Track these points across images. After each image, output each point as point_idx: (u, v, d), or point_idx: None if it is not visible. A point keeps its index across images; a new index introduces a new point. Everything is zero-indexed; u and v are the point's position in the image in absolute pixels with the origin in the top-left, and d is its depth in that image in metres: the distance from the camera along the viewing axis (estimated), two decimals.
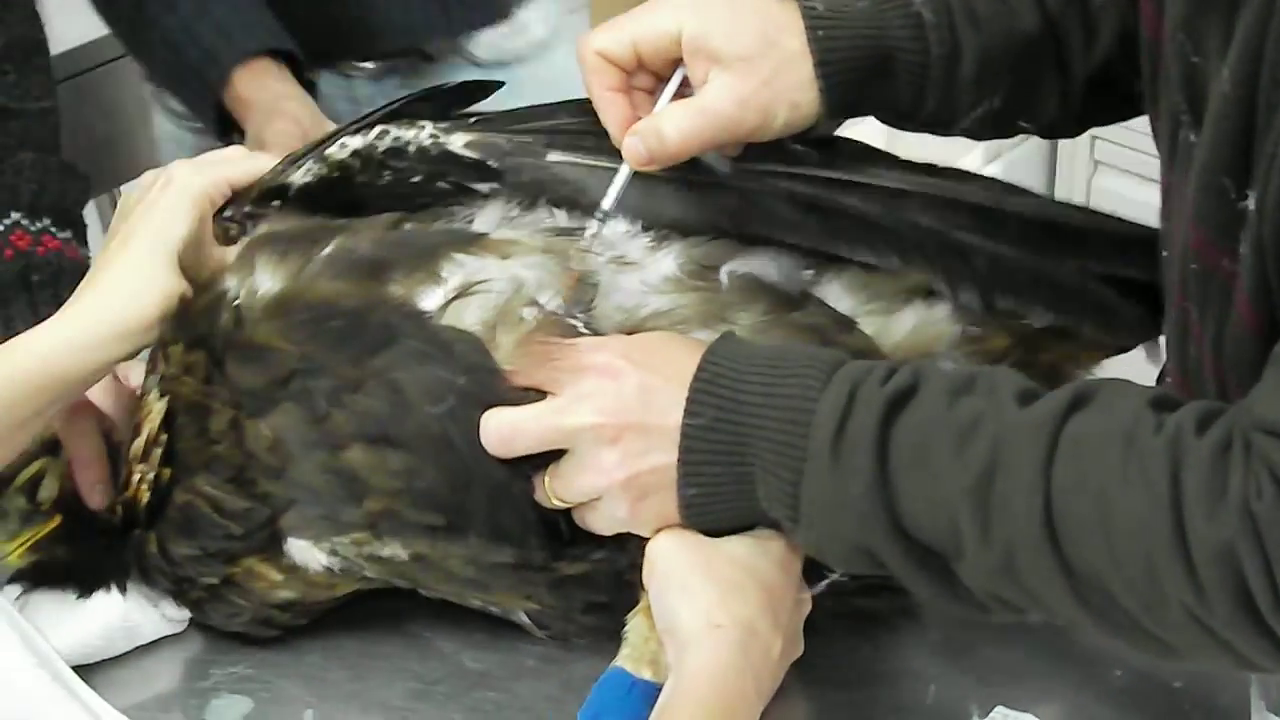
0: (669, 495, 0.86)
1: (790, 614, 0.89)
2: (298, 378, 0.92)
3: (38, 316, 1.07)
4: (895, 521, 0.81)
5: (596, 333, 0.92)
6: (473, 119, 0.98)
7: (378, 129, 0.96)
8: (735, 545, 0.88)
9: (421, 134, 0.95)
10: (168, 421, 0.96)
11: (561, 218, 0.97)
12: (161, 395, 0.96)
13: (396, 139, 0.95)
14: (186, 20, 1.42)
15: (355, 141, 0.96)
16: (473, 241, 0.94)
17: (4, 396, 0.92)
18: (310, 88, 1.44)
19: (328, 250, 0.93)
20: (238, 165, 0.99)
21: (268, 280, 0.94)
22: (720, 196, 0.97)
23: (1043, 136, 1.13)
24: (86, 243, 1.21)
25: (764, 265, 0.97)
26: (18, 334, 0.95)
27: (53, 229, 1.17)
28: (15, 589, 1.02)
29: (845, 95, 0.95)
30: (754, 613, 0.85)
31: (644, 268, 0.95)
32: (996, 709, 0.94)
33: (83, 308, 0.94)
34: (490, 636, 1.01)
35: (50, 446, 0.99)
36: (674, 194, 0.96)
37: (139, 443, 0.97)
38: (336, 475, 0.93)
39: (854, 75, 0.95)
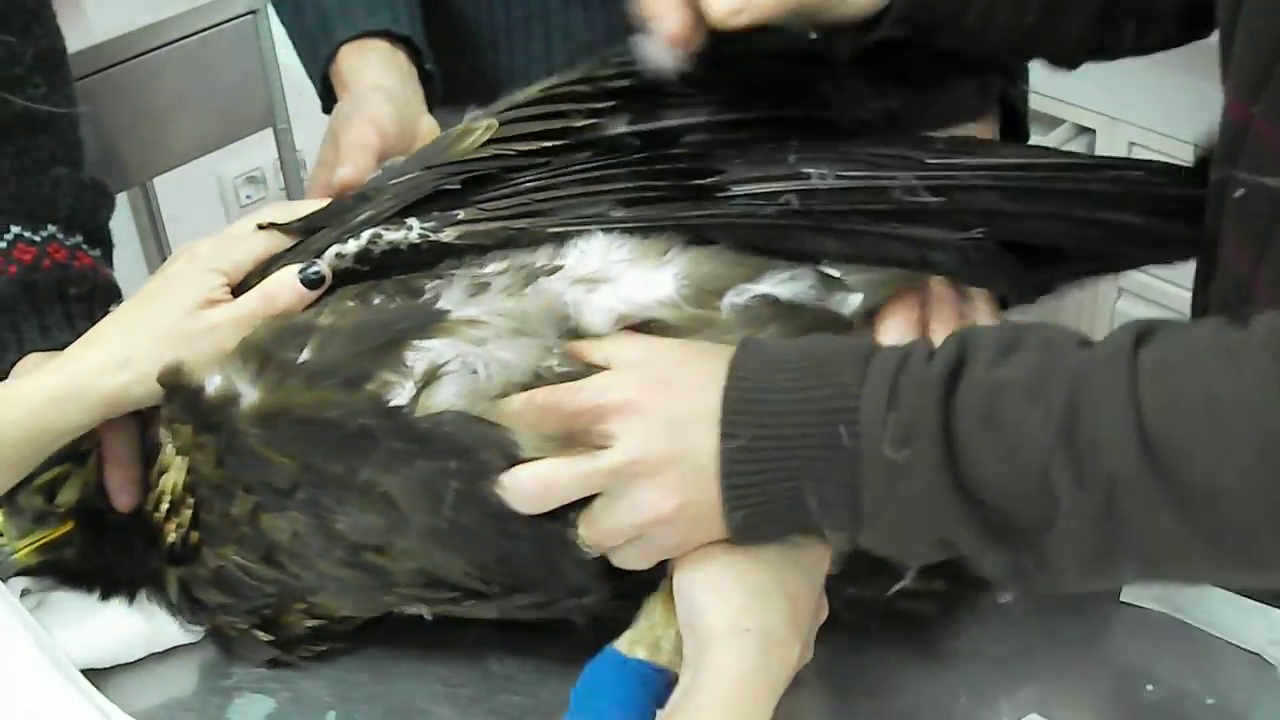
0: (715, 522, 0.84)
1: (808, 620, 0.89)
2: (303, 488, 0.92)
3: (74, 329, 1.09)
4: (969, 500, 0.77)
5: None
6: (458, 212, 0.94)
7: (367, 235, 0.94)
8: (768, 551, 0.88)
9: (410, 234, 0.93)
10: (192, 487, 0.96)
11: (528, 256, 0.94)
12: (179, 452, 0.96)
13: (390, 242, 0.93)
14: None
15: (350, 248, 0.94)
16: (434, 323, 0.90)
17: None
18: (428, 78, 1.40)
19: (302, 358, 0.91)
20: (262, 240, 0.99)
21: (250, 392, 0.92)
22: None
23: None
24: (112, 264, 1.21)
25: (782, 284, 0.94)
26: (56, 342, 0.97)
27: (84, 246, 1.18)
28: (31, 593, 1.02)
29: None
30: (778, 620, 0.85)
31: (623, 283, 0.92)
32: (1030, 717, 0.93)
33: (75, 363, 0.95)
34: (514, 639, 1.00)
35: (75, 454, 0.99)
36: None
37: (166, 481, 0.97)
38: (360, 570, 0.93)
39: None
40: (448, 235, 0.92)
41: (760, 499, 0.82)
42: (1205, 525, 0.74)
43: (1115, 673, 0.97)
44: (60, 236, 1.17)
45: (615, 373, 0.87)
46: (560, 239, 0.92)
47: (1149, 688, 0.95)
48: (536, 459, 0.87)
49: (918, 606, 0.99)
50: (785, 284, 0.92)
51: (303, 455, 0.91)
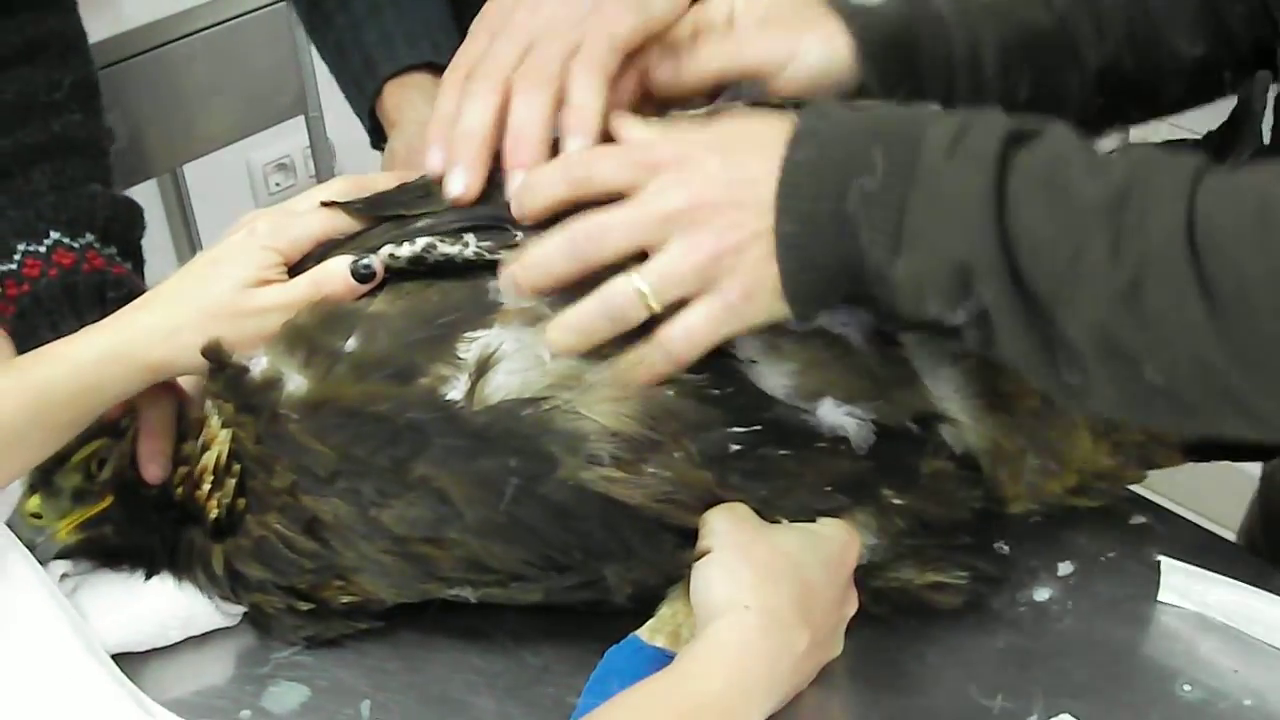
0: (767, 258, 0.83)
1: (826, 613, 0.89)
2: (343, 477, 0.92)
3: None
4: (1004, 238, 0.77)
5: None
6: (517, 234, 0.92)
7: (423, 243, 0.93)
8: (786, 536, 0.90)
9: (466, 250, 0.92)
10: (236, 455, 0.96)
11: None
12: (225, 426, 0.96)
13: (443, 255, 0.92)
14: (357, 20, 1.37)
15: (404, 252, 0.93)
16: (488, 314, 0.90)
17: (38, 402, 0.93)
18: None
19: (350, 347, 0.91)
20: (320, 219, 0.98)
21: (296, 378, 0.92)
22: None
23: None
24: (144, 278, 1.23)
25: None
26: None
27: (118, 258, 1.19)
28: (68, 576, 1.02)
29: (875, 51, 0.94)
30: (784, 603, 0.86)
31: None
32: (1062, 715, 0.93)
33: (126, 327, 0.95)
34: (551, 629, 1.00)
35: (111, 428, 0.99)
36: None
37: (209, 457, 0.97)
38: (404, 558, 0.93)
39: (882, 39, 0.94)
40: (504, 256, 0.91)
41: (811, 214, 0.81)
42: (1233, 327, 0.74)
43: (1152, 673, 0.96)
44: (97, 245, 1.19)
45: (675, 133, 0.88)
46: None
47: (1186, 688, 0.95)
48: (604, 448, 0.87)
49: (944, 598, 0.99)
50: None
51: (345, 446, 0.91)
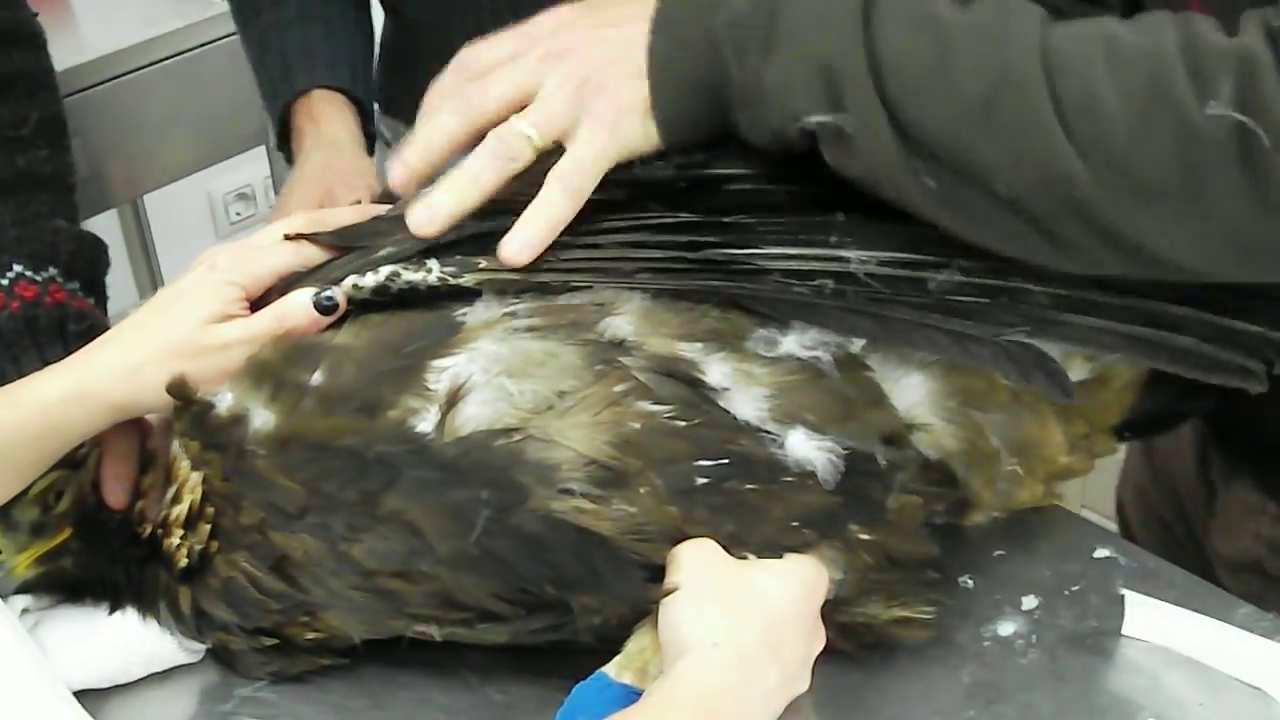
0: (635, 75, 0.89)
1: (794, 649, 0.89)
2: (312, 513, 0.91)
3: None
4: (871, 45, 0.83)
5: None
6: (480, 260, 0.92)
7: (386, 272, 0.92)
8: (754, 571, 0.89)
9: (430, 276, 0.91)
10: (207, 497, 0.95)
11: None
12: (195, 468, 0.96)
13: (407, 283, 0.92)
14: (285, 21, 1.43)
15: (368, 282, 0.93)
16: (452, 337, 0.90)
17: (4, 441, 0.92)
18: (371, 138, 1.44)
19: (315, 381, 0.91)
20: (282, 253, 0.98)
21: (263, 414, 0.92)
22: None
23: None
24: (107, 313, 1.23)
25: None
26: None
27: (80, 293, 1.19)
28: (29, 611, 1.00)
29: None
30: (752, 640, 0.86)
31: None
32: None
33: (86, 365, 0.94)
34: (516, 667, 0.99)
35: (68, 459, 0.98)
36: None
37: (180, 510, 0.96)
38: (373, 593, 0.93)
39: None
40: (468, 280, 0.91)
41: (682, 25, 0.88)
42: (1083, 137, 0.79)
43: (1117, 707, 0.96)
44: (60, 280, 1.18)
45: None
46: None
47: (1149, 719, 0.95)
48: (575, 480, 0.87)
49: (910, 633, 0.99)
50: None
51: (314, 481, 0.90)
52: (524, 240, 0.89)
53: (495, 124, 0.91)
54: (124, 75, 1.71)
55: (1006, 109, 0.80)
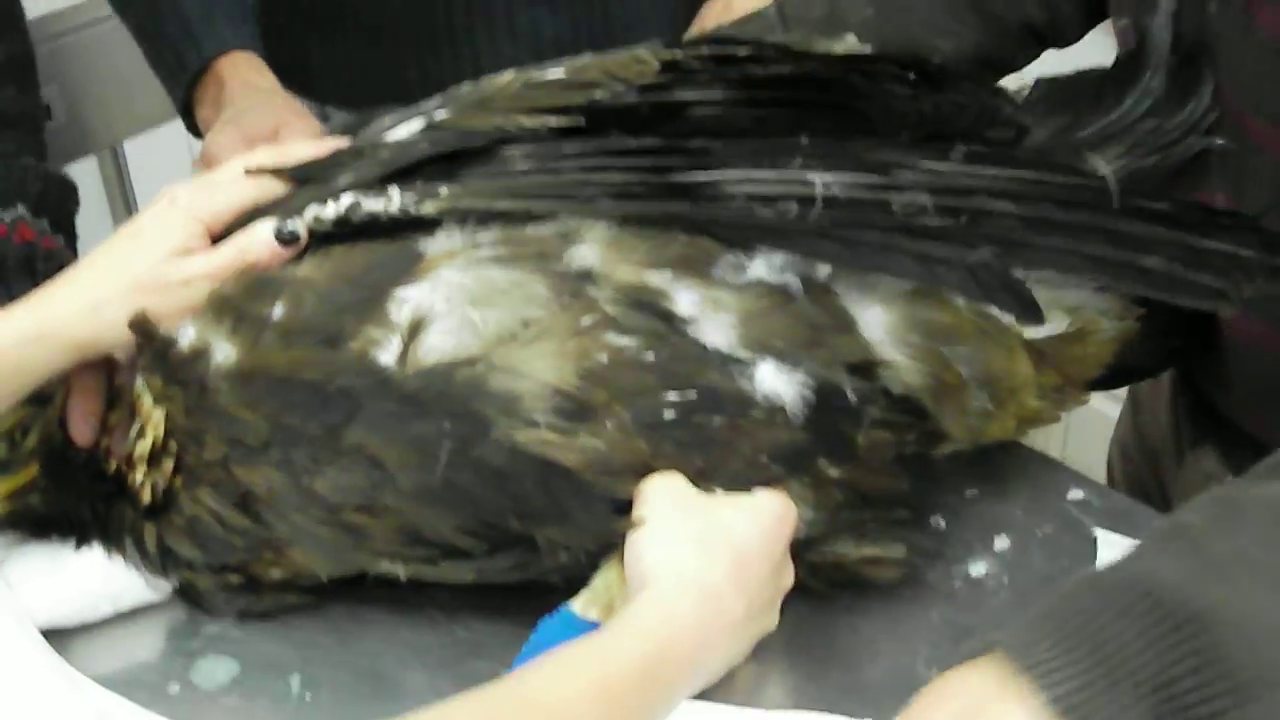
0: None
1: (761, 584, 0.88)
2: (275, 446, 0.90)
3: None
4: None
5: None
6: (442, 184, 0.91)
7: (347, 201, 0.91)
8: (721, 506, 0.89)
9: (391, 205, 0.91)
10: (170, 434, 0.95)
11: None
12: (157, 403, 0.95)
13: (368, 213, 0.91)
14: None
15: (328, 212, 0.92)
16: (414, 266, 0.89)
17: None
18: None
19: (277, 314, 0.90)
20: (243, 189, 0.97)
21: (224, 348, 0.91)
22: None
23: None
24: (76, 253, 1.23)
25: None
26: None
27: (50, 232, 1.18)
28: None
29: None
30: (717, 573, 0.85)
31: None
32: None
33: (46, 305, 0.93)
34: (483, 605, 0.99)
35: (36, 397, 0.97)
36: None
37: (144, 445, 0.95)
38: (337, 528, 0.92)
39: None
40: (429, 208, 0.90)
41: None
42: None
43: None
44: (28, 218, 1.18)
45: None
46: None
47: None
48: (539, 411, 0.86)
49: (881, 573, 0.99)
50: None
51: (276, 414, 0.90)
52: None
53: None
54: (103, 21, 1.69)
55: None
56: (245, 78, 1.34)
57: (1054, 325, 1.01)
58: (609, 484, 0.89)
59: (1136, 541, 0.98)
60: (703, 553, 0.86)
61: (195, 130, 1.39)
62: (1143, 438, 1.29)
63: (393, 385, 0.87)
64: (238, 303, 0.91)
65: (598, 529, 0.90)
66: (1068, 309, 1.02)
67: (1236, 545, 0.73)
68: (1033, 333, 1.00)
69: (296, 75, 1.42)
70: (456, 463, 0.87)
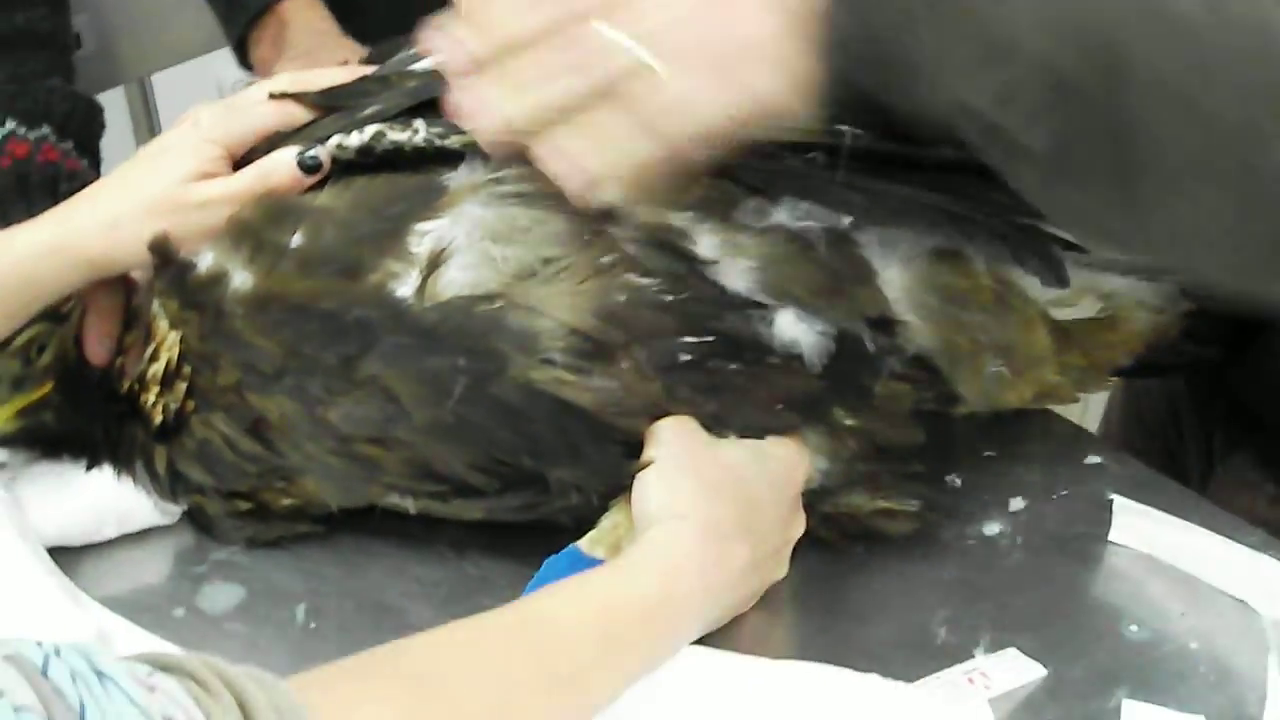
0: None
1: (770, 531, 0.88)
2: (289, 374, 0.90)
3: None
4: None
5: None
6: None
7: (371, 131, 0.91)
8: (732, 451, 0.89)
9: (416, 137, 0.90)
10: (184, 357, 0.94)
11: None
12: (173, 326, 0.95)
13: (392, 143, 0.91)
14: None
15: (352, 141, 0.92)
16: (436, 200, 0.89)
17: None
18: None
19: (295, 242, 0.90)
20: (266, 112, 0.96)
21: (241, 274, 0.91)
22: None
23: None
24: (100, 176, 1.21)
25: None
26: None
27: (74, 153, 1.18)
28: (5, 466, 1.00)
29: None
30: (723, 516, 0.85)
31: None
32: (1008, 650, 0.92)
33: (63, 219, 0.93)
34: (492, 542, 0.99)
35: (51, 313, 0.97)
36: None
37: (157, 367, 0.95)
38: (349, 459, 0.91)
39: None
40: (454, 142, 0.90)
41: None
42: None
43: (1099, 612, 0.95)
44: (53, 138, 1.17)
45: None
46: None
47: (1132, 629, 0.94)
48: (556, 350, 0.85)
49: (895, 526, 0.98)
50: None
51: (291, 342, 0.89)
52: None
53: None
54: None
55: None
56: (308, 20, 1.36)
57: (1084, 309, 1.00)
58: (622, 425, 0.88)
59: (1152, 509, 0.99)
60: (710, 496, 0.85)
61: (247, 65, 1.40)
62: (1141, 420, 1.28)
63: (409, 318, 0.87)
64: (256, 229, 0.91)
65: (609, 470, 0.90)
66: (1102, 295, 1.01)
67: None
68: (1060, 313, 0.99)
69: (354, 20, 1.43)
70: (470, 399, 0.87)
